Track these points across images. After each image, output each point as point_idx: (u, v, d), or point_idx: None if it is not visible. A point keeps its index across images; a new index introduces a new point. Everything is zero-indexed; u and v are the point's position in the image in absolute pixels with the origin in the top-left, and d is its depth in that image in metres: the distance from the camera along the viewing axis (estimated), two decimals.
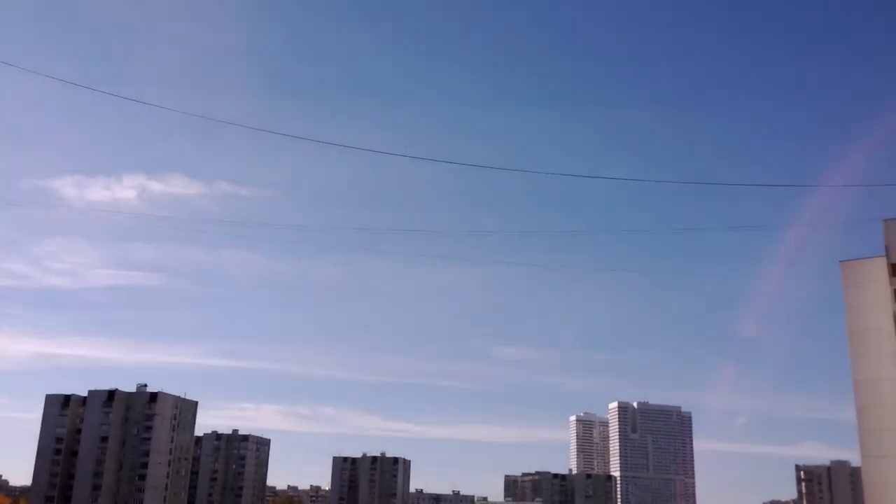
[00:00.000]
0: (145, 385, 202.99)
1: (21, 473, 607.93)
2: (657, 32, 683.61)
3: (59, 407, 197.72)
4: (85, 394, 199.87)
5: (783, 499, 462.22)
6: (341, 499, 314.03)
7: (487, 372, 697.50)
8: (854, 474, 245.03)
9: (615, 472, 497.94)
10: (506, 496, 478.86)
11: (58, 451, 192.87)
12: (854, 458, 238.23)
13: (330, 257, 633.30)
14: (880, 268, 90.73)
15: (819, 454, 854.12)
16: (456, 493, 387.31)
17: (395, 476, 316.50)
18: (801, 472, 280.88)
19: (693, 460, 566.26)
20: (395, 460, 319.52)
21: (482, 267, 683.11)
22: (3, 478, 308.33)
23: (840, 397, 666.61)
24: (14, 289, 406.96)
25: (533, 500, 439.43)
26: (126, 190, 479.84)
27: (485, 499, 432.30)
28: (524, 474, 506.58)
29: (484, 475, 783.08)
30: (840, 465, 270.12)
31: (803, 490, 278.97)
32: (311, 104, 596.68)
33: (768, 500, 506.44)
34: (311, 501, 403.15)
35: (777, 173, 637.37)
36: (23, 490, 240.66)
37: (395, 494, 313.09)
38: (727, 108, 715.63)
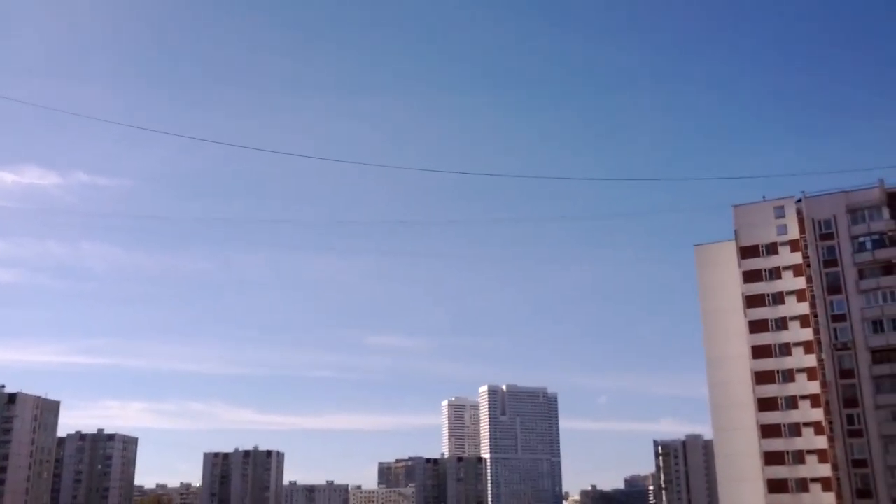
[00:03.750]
0: (2, 385, 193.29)
1: None
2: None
3: None
4: None
5: (643, 473, 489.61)
6: (212, 495, 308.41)
7: (362, 361, 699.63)
8: (707, 447, 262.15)
9: (485, 454, 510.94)
10: (379, 483, 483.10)
11: None
12: (707, 432, 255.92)
13: (196, 249, 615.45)
14: (730, 251, 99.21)
15: (676, 429, 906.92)
16: (330, 483, 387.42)
17: (269, 469, 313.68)
18: (659, 447, 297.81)
19: (559, 440, 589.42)
20: (269, 453, 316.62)
21: (356, 258, 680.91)
22: None
23: (695, 375, 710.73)
24: None
25: (406, 485, 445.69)
26: None
27: (359, 487, 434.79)
28: (398, 460, 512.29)
29: (359, 464, 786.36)
30: (694, 439, 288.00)
31: (660, 464, 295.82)
32: (172, 94, 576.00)
33: (629, 475, 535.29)
34: (182, 499, 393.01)
35: (638, 165, 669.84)
36: None
37: (268, 488, 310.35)
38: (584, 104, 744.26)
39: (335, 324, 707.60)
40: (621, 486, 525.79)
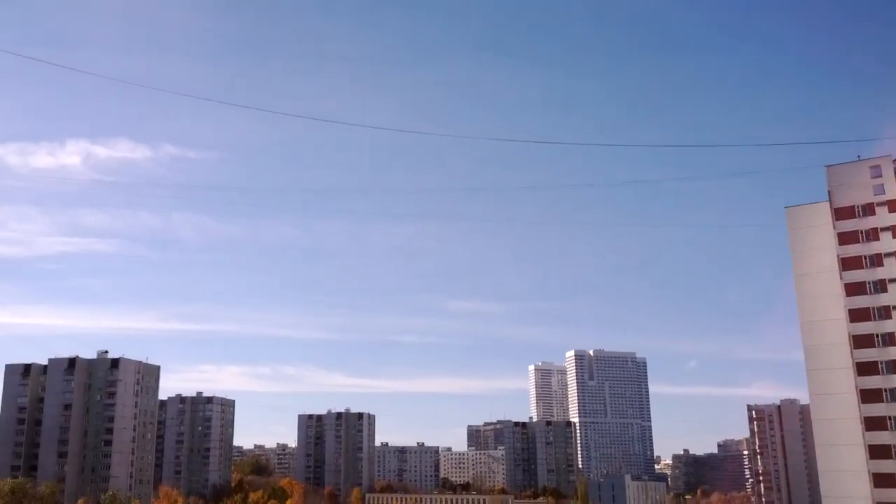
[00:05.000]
0: (106, 351, 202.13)
1: None
2: None
3: (20, 376, 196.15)
4: (45, 362, 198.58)
5: (736, 437, 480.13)
6: (308, 455, 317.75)
7: (446, 326, 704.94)
8: (803, 412, 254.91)
9: (574, 418, 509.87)
10: (469, 445, 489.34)
11: (21, 421, 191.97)
12: (803, 397, 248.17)
13: (282, 218, 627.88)
14: (823, 213, 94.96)
15: (768, 394, 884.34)
16: (420, 445, 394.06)
17: (361, 431, 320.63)
18: (753, 412, 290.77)
19: (649, 404, 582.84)
20: (360, 415, 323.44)
21: (437, 224, 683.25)
22: None
23: (787, 339, 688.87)
24: None
25: (496, 448, 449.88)
26: (70, 156, 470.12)
27: (449, 449, 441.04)
28: (486, 424, 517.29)
29: (447, 426, 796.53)
30: (789, 404, 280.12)
31: (755, 428, 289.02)
32: (255, 69, 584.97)
33: (722, 439, 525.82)
34: (279, 459, 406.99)
35: (722, 130, 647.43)
36: None
37: (361, 449, 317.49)
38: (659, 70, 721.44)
39: (419, 289, 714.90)
40: (714, 450, 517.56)
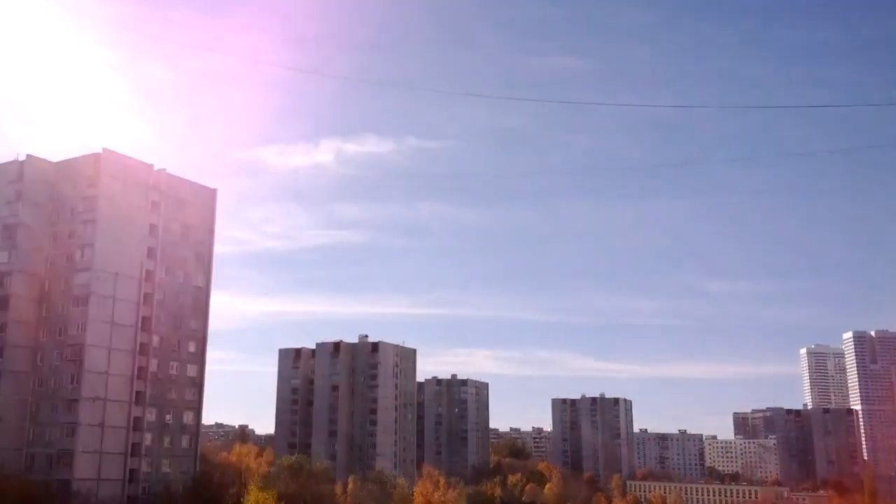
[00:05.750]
0: (366, 336, 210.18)
1: (264, 422, 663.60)
2: None
3: (292, 360, 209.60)
4: (313, 346, 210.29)
5: None
6: (564, 439, 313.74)
7: (702, 308, 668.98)
8: None
9: (855, 405, 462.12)
10: (735, 434, 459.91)
11: (294, 402, 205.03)
12: None
13: (522, 202, 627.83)
14: None
15: None
16: (682, 432, 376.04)
17: (617, 416, 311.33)
18: None
19: None
20: (616, 400, 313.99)
21: (683, 200, 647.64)
22: (250, 427, 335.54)
23: None
24: (238, 253, 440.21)
25: (765, 436, 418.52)
26: (324, 154, 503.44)
27: (714, 437, 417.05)
28: (754, 411, 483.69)
29: (708, 413, 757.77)
30: None
31: None
32: (484, 59, 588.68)
33: None
34: (535, 443, 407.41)
35: None
36: (267, 438, 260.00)
37: (618, 435, 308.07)
38: None
39: (672, 269, 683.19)
40: None
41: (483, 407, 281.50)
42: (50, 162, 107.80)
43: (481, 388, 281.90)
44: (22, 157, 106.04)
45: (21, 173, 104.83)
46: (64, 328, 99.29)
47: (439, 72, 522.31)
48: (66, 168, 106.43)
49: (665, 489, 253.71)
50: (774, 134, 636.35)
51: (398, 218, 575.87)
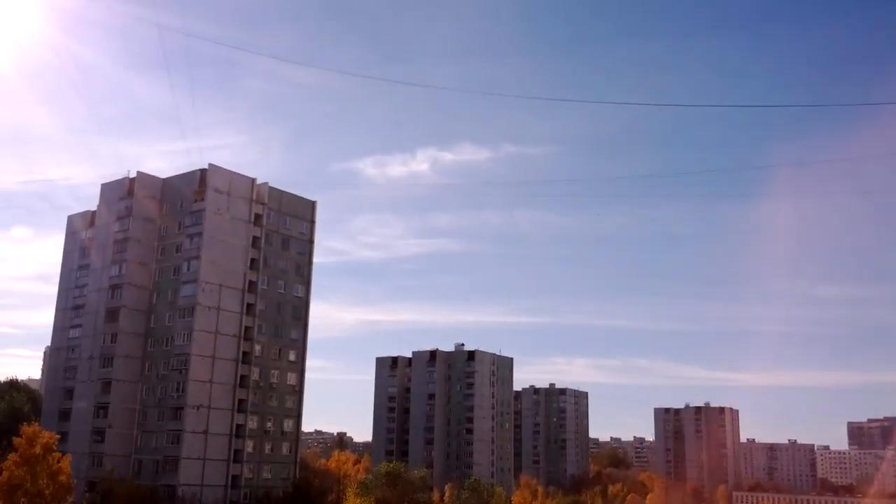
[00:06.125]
0: (462, 344, 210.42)
1: (362, 430, 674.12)
2: None
3: (388, 368, 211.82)
4: (409, 355, 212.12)
5: None
6: (667, 449, 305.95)
7: (812, 313, 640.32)
8: None
9: None
10: (850, 444, 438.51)
11: (391, 409, 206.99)
12: None
13: (618, 207, 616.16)
14: None
15: None
16: (792, 442, 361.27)
17: (723, 426, 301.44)
18: None
19: None
20: (721, 410, 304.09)
21: (793, 200, 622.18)
22: (348, 435, 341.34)
23: None
24: (337, 263, 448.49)
25: (883, 447, 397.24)
26: (420, 163, 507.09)
27: (826, 447, 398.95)
28: (870, 420, 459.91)
29: (821, 423, 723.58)
30: None
31: None
32: (576, 64, 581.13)
33: None
34: (636, 453, 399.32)
35: None
36: (365, 445, 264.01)
37: (724, 444, 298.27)
38: None
39: (780, 273, 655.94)
40: None
41: (582, 416, 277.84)
42: (158, 178, 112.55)
43: (580, 397, 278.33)
44: (132, 175, 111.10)
45: (131, 190, 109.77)
46: (170, 338, 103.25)
47: (535, 78, 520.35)
48: (174, 184, 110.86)
49: (774, 501, 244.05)
50: (881, 133, 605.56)
51: (495, 226, 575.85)
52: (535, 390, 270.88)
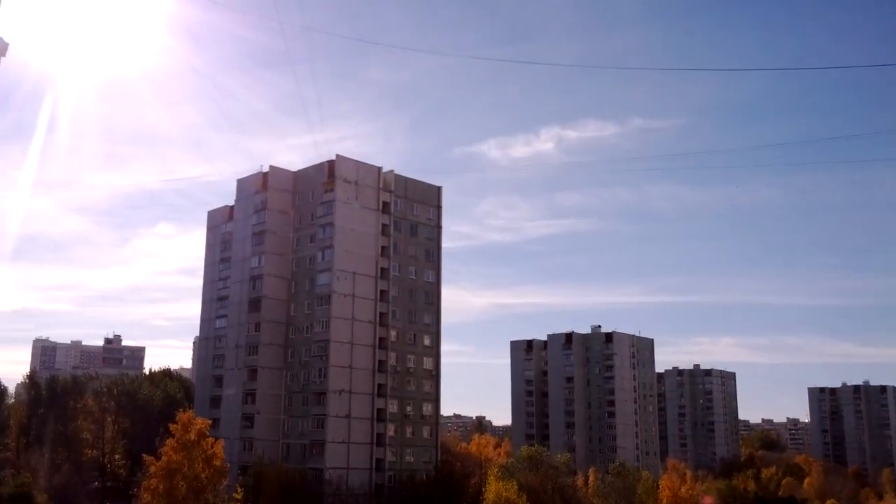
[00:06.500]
0: (599, 326, 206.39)
1: (500, 413, 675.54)
2: None
3: (523, 352, 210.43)
4: (544, 338, 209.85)
5: None
6: (824, 431, 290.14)
7: None
8: None
9: None
10: None
11: (529, 393, 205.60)
12: None
13: (759, 178, 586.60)
14: None
15: None
16: None
17: (885, 405, 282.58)
18: None
19: None
20: (883, 388, 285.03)
21: None
22: (487, 419, 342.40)
23: None
24: (465, 248, 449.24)
25: None
26: (544, 142, 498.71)
27: None
28: None
29: None
30: None
31: None
32: (704, 32, 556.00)
33: None
34: (790, 434, 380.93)
35: None
36: (504, 429, 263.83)
37: (887, 425, 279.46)
38: None
39: None
40: None
41: (730, 397, 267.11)
42: (289, 171, 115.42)
43: (727, 378, 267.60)
44: (265, 169, 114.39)
45: (265, 184, 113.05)
46: (310, 325, 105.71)
47: (659, 49, 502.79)
48: (305, 176, 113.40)
49: None
50: None
51: (626, 203, 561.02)
52: (678, 372, 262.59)
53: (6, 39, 18.28)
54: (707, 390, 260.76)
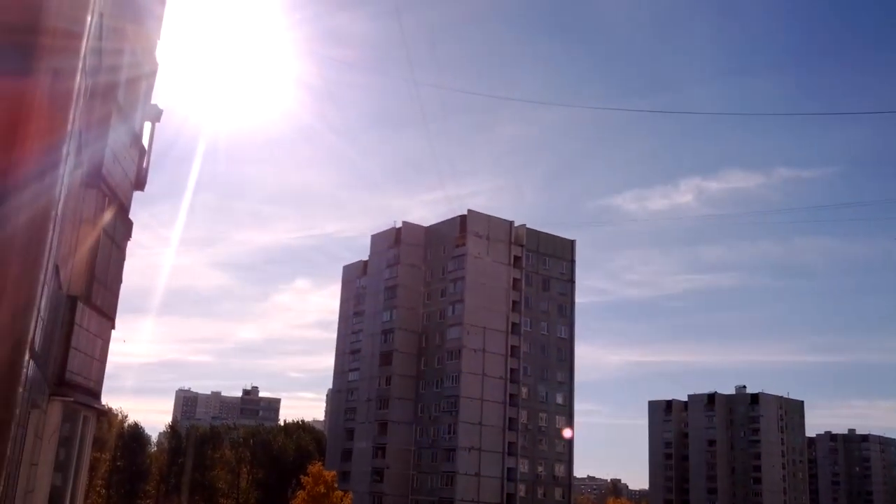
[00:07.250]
0: (744, 386, 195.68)
1: (637, 477, 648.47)
2: None
3: (662, 412, 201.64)
4: (685, 398, 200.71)
5: None
6: None
7: None
8: None
9: None
10: None
11: (668, 456, 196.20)
12: None
13: None
14: None
15: None
16: None
17: None
18: None
19: None
20: None
21: None
22: (622, 482, 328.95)
23: None
24: (600, 304, 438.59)
25: None
26: (683, 194, 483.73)
27: None
28: None
29: None
30: None
31: None
32: (857, 74, 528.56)
33: None
34: None
35: None
36: (641, 494, 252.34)
37: None
38: None
39: None
40: None
41: (890, 465, 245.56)
42: (421, 226, 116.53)
43: (887, 445, 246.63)
44: (398, 224, 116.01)
45: (398, 239, 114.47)
46: (440, 380, 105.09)
47: (808, 93, 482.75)
48: (436, 231, 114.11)
49: None
50: None
51: (772, 257, 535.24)
52: (831, 436, 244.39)
53: (160, 106, 18.70)
54: (864, 457, 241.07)
